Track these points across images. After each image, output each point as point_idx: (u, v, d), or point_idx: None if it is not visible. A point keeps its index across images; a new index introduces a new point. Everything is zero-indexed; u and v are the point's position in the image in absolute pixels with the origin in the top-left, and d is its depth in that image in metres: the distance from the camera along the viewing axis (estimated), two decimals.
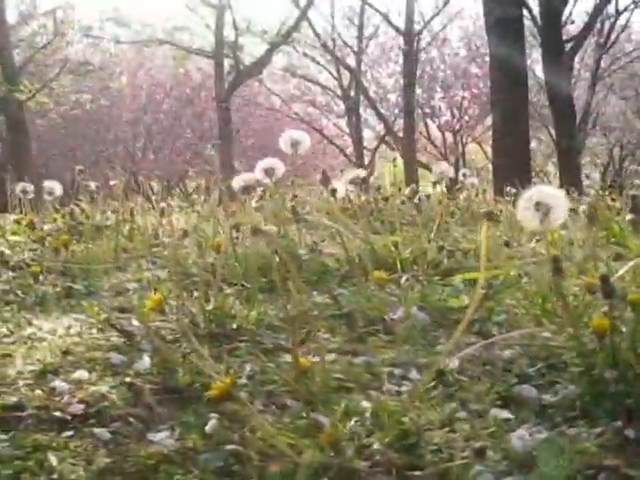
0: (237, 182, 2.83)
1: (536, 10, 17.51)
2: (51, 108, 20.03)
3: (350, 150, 30.30)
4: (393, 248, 3.36)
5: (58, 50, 24.69)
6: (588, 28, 19.72)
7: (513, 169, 11.72)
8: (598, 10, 19.93)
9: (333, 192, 3.14)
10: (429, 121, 31.74)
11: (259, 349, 2.23)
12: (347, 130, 30.87)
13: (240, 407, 1.64)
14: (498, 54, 13.18)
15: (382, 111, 29.05)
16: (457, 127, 31.30)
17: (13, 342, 2.25)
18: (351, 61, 28.98)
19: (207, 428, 1.64)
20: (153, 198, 6.69)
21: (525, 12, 15.79)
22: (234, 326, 2.40)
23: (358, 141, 29.16)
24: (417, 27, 26.69)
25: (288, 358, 2.13)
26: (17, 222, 5.06)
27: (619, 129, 30.66)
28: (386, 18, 27.15)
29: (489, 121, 27.89)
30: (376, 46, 30.76)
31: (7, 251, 3.33)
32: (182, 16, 48.76)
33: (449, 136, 32.19)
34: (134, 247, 4.03)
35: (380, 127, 30.58)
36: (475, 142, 32.85)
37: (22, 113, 17.84)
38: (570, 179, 14.50)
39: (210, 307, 2.40)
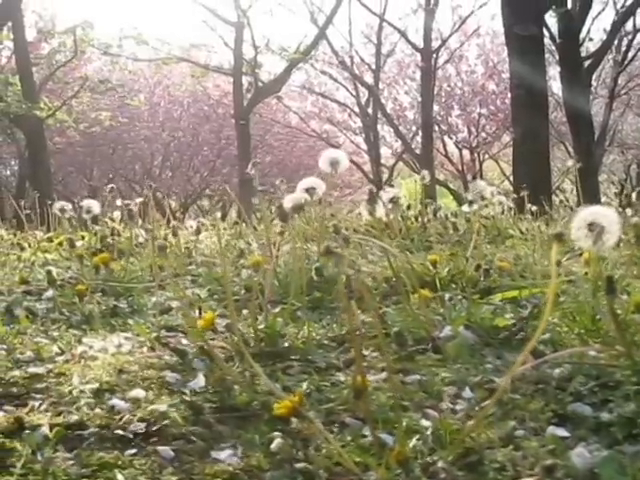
0: (287, 202, 2.85)
1: (554, 28, 17.60)
2: (70, 125, 20.13)
3: (367, 167, 30.31)
4: (431, 267, 3.38)
5: (77, 68, 24.90)
6: (606, 45, 19.79)
7: (533, 186, 11.69)
8: (616, 28, 19.96)
9: (372, 212, 3.15)
10: (446, 138, 31.79)
11: (312, 367, 2.25)
12: (365, 147, 30.91)
13: (306, 425, 1.65)
14: (518, 71, 13.21)
15: (400, 128, 29.10)
16: (474, 144, 31.32)
17: (66, 361, 2.27)
18: (369, 78, 29.06)
19: (272, 446, 1.66)
20: (176, 215, 6.72)
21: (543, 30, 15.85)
22: (285, 345, 2.42)
23: (376, 158, 29.16)
24: (435, 44, 26.78)
25: (341, 376, 2.15)
26: (49, 240, 5.09)
27: (636, 146, 30.66)
28: (404, 35, 27.29)
29: (506, 138, 28.05)
30: (394, 63, 30.87)
31: (54, 269, 3.36)
32: (200, 33, 49.07)
33: (466, 153, 32.22)
34: (170, 265, 4.05)
35: (398, 144, 30.63)
36: (492, 159, 32.88)
37: (42, 131, 17.94)
38: (588, 197, 14.48)
39: (261, 326, 2.42)
